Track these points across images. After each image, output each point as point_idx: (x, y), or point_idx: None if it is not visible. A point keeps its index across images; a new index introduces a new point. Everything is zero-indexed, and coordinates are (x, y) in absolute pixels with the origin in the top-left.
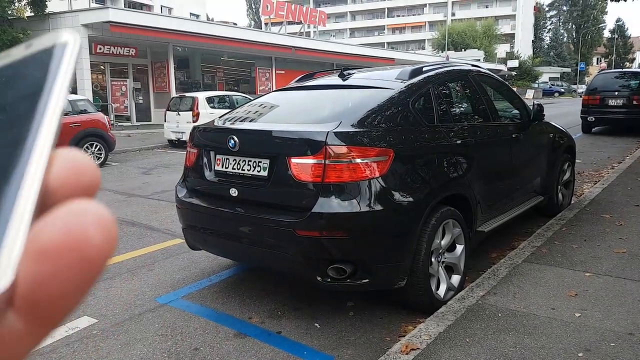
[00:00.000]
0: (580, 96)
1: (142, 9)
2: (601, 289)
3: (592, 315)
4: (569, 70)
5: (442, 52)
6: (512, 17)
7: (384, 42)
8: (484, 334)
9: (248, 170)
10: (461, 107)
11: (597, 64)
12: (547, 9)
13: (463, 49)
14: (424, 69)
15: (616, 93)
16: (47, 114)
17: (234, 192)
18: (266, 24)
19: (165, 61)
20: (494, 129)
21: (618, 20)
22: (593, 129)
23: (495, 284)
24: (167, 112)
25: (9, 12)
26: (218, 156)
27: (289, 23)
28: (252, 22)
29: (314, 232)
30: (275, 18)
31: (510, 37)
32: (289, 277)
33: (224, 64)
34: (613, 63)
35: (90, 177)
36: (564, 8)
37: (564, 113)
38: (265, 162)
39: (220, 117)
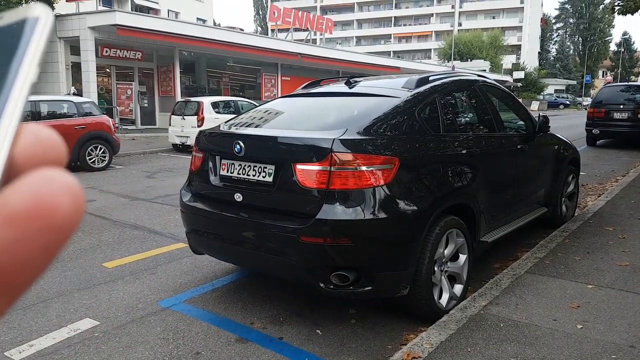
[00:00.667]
0: (586, 109)
1: (149, 13)
2: (603, 301)
3: (593, 327)
4: (574, 82)
5: (448, 62)
6: (519, 28)
7: (390, 51)
8: (486, 343)
9: (253, 176)
10: (467, 117)
11: (603, 77)
12: (554, 21)
13: (469, 60)
14: (430, 78)
15: (621, 106)
16: (16, 87)
17: (238, 197)
18: (273, 30)
19: (171, 65)
20: (499, 139)
21: (625, 33)
22: (598, 142)
23: (498, 294)
24: (172, 116)
25: None
26: (223, 161)
27: (296, 30)
28: (259, 29)
29: (317, 238)
30: (282, 25)
31: (516, 49)
32: (292, 283)
33: (230, 69)
34: (619, 76)
35: (56, 152)
36: (571, 20)
37: (569, 125)
38: (271, 168)
39: (226, 122)
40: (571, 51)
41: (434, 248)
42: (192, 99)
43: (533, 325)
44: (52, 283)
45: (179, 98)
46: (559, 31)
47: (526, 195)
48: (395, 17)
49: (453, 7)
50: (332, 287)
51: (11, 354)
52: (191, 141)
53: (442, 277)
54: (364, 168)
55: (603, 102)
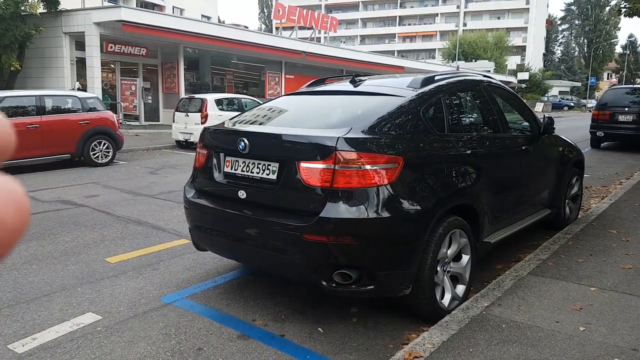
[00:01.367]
0: (590, 111)
1: (153, 9)
2: (606, 303)
3: (596, 330)
4: (579, 84)
5: (452, 62)
6: (524, 29)
7: (394, 50)
8: (488, 344)
9: (257, 173)
10: (471, 117)
11: (608, 79)
12: (559, 22)
13: (473, 60)
14: (435, 77)
15: (626, 109)
16: None
17: (242, 194)
18: (277, 28)
19: (176, 62)
20: (503, 140)
21: (630, 36)
22: (602, 144)
23: (500, 295)
24: (176, 112)
25: (22, 7)
26: (228, 158)
27: (300, 28)
28: (264, 26)
29: (320, 236)
30: (287, 23)
31: (521, 49)
32: (294, 280)
33: (234, 67)
34: (624, 79)
35: (4, 139)
36: (576, 22)
37: (573, 127)
38: (275, 166)
39: (230, 119)
40: (576, 53)
41: (437, 248)
42: (196, 95)
43: (535, 326)
44: (55, 277)
45: (182, 95)
46: (564, 32)
47: (530, 196)
48: (399, 16)
49: (458, 7)
50: (334, 285)
51: (14, 347)
52: (194, 138)
53: (445, 277)
54: (368, 167)
55: (608, 104)
